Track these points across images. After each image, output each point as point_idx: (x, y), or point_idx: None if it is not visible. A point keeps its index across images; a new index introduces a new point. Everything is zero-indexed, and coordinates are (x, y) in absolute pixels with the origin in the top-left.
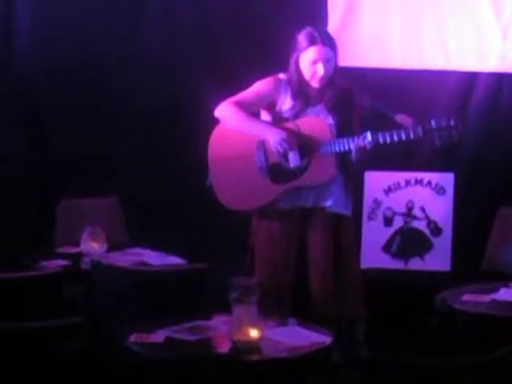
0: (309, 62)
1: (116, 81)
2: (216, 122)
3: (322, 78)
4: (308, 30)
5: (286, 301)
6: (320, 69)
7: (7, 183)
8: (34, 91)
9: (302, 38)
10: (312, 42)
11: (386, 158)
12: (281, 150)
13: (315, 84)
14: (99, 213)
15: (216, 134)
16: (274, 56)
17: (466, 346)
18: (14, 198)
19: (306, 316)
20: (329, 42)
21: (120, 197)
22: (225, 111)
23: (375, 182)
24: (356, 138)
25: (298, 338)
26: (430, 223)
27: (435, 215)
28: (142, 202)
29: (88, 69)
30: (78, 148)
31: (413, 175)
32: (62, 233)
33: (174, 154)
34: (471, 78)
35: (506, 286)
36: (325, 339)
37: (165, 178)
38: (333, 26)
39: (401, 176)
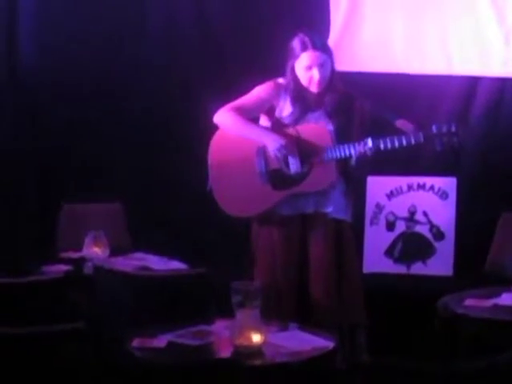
0: (303, 69)
1: (119, 88)
2: (216, 127)
3: (319, 83)
4: (300, 36)
5: (288, 307)
6: (315, 74)
7: (9, 188)
8: (37, 97)
9: (294, 45)
10: (303, 48)
11: (388, 163)
12: (280, 156)
13: (313, 89)
14: (102, 218)
15: (215, 140)
16: (277, 62)
17: (469, 350)
18: (16, 203)
19: (308, 321)
20: (321, 46)
21: (122, 202)
22: (223, 117)
23: (377, 186)
24: (357, 144)
25: (301, 342)
26: (433, 228)
27: (438, 220)
28: (144, 207)
29: (91, 76)
30: (81, 153)
31: (415, 180)
32: (64, 238)
33: (177, 159)
34: (474, 82)
35: (509, 290)
36: (327, 344)
37: (167, 183)
38: (335, 31)
39: (403, 181)
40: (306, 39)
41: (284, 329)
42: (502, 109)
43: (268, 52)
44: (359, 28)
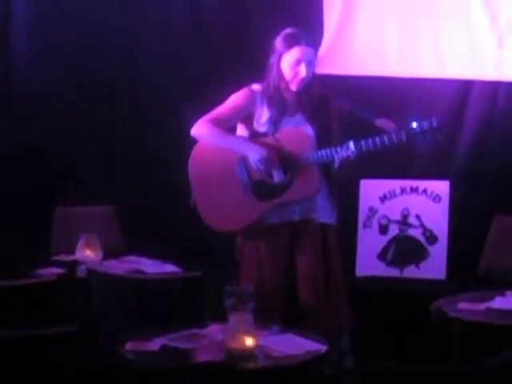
0: (292, 62)
1: (113, 91)
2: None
3: (302, 80)
4: (291, 30)
5: (276, 316)
6: (302, 70)
7: (4, 191)
8: (32, 102)
9: (285, 39)
10: (297, 41)
11: (381, 166)
12: (262, 167)
13: (294, 87)
14: (95, 221)
15: (195, 154)
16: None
17: (462, 353)
18: (10, 206)
19: (297, 327)
20: (313, 44)
21: (116, 205)
22: (201, 130)
23: (370, 189)
24: (339, 148)
25: (294, 346)
26: (426, 231)
27: (431, 223)
28: (137, 210)
29: (85, 80)
30: (76, 157)
31: (408, 183)
32: (57, 240)
33: (170, 163)
34: (466, 85)
35: (502, 294)
36: (320, 347)
37: (160, 186)
38: (329, 35)
39: (396, 184)
40: (300, 34)
41: (277, 332)
42: (495, 112)
43: (263, 56)
44: (353, 32)
